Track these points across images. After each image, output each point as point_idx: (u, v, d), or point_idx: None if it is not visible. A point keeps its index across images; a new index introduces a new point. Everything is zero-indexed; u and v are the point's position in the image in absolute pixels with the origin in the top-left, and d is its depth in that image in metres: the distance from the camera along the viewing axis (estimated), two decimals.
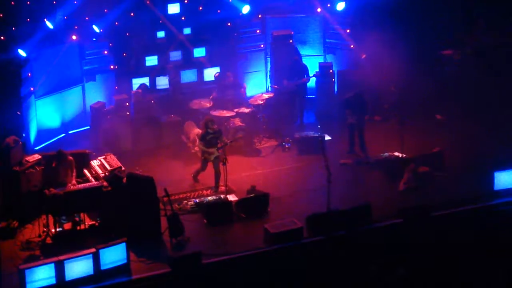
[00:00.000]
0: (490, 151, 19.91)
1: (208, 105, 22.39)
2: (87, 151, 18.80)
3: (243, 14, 24.35)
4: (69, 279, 14.89)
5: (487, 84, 22.77)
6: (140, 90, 22.78)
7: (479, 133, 21.30)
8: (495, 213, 17.74)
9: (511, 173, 18.11)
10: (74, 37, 22.16)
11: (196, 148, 19.89)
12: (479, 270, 16.27)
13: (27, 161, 17.84)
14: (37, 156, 18.20)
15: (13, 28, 20.61)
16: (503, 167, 18.19)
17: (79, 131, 23.09)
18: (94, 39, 22.98)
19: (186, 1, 23.82)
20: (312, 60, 24.93)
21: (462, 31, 23.99)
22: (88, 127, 22.90)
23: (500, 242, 16.95)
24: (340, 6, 24.41)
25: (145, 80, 23.39)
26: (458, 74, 23.60)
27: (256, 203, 17.86)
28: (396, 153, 20.17)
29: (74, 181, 17.42)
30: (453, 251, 16.54)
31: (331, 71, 24.18)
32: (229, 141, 19.44)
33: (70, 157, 17.67)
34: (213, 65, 24.22)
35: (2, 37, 20.38)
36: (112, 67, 23.41)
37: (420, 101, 22.78)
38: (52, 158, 17.73)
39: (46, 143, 22.02)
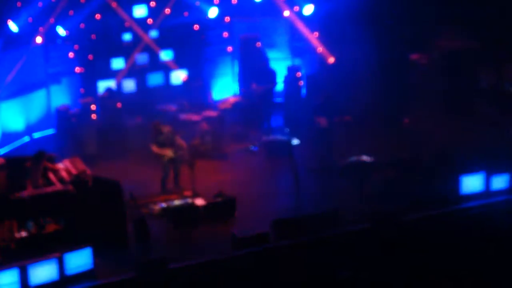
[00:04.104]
0: (457, 155, 19.97)
1: (173, 108, 22.29)
2: (52, 154, 18.58)
3: (210, 18, 24.28)
4: (33, 284, 14.69)
5: (453, 88, 22.92)
6: (106, 94, 22.64)
7: (446, 137, 21.39)
8: (461, 217, 17.78)
9: (477, 177, 18.18)
10: (39, 40, 21.95)
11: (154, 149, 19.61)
12: (446, 274, 16.31)
13: None
14: (0, 160, 17.96)
15: None
16: (470, 171, 18.25)
17: (44, 134, 22.87)
18: (59, 41, 22.78)
19: (153, 5, 23.69)
20: (280, 63, 24.91)
21: (429, 36, 24.09)
22: (54, 130, 22.68)
23: (467, 246, 16.99)
24: (307, 11, 24.43)
25: (111, 83, 23.23)
26: (425, 78, 23.73)
27: (223, 207, 17.78)
28: (364, 157, 20.15)
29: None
30: (420, 255, 16.56)
31: (299, 74, 24.18)
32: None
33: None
34: (180, 67, 24.13)
35: None
36: (77, 69, 23.22)
37: (388, 105, 22.84)
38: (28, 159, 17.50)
39: (10, 147, 21.78)
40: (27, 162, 17.30)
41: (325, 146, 20.84)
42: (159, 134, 18.99)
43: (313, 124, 21.16)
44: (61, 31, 22.29)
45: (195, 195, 18.58)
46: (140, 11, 23.80)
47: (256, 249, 16.15)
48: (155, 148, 18.98)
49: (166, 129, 19.07)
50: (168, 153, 18.85)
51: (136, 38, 23.81)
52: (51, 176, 17.64)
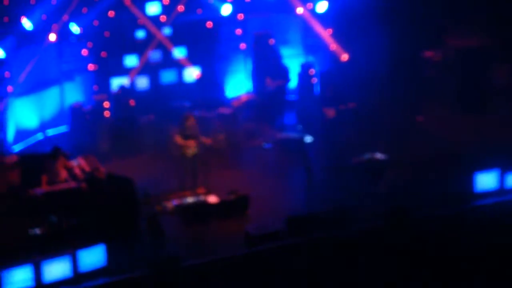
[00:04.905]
0: (471, 152, 19.89)
1: (187, 105, 22.31)
2: (66, 151, 18.61)
3: (223, 15, 24.28)
4: (47, 281, 14.72)
5: (467, 86, 22.82)
6: (119, 91, 22.69)
7: (460, 134, 21.31)
8: (475, 215, 17.70)
9: (492, 174, 18.09)
10: (52, 37, 21.99)
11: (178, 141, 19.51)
12: (460, 272, 16.25)
13: (5, 162, 17.64)
14: (15, 157, 18.02)
15: None
16: (484, 168, 18.16)
17: (58, 131, 22.93)
18: (73, 38, 22.83)
19: (166, 2, 23.70)
20: (293, 60, 24.89)
21: (443, 33, 23.99)
22: (67, 127, 22.72)
23: (481, 244, 16.91)
24: (321, 8, 24.38)
25: (125, 80, 23.28)
26: (439, 76, 23.65)
27: (236, 205, 17.76)
28: (378, 155, 20.10)
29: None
30: (434, 254, 16.51)
31: (312, 71, 24.13)
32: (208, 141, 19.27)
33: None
34: (193, 64, 24.15)
35: None
36: (91, 67, 23.26)
37: (401, 103, 22.77)
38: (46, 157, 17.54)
39: (24, 144, 21.85)
40: (44, 160, 17.35)
41: (335, 139, 20.78)
42: (185, 126, 18.86)
43: (322, 117, 21.14)
44: (74, 28, 22.33)
45: (208, 192, 18.57)
46: (153, 8, 23.83)
47: (269, 246, 16.13)
48: (179, 140, 18.84)
49: (192, 122, 18.90)
50: (191, 148, 18.74)
51: (149, 35, 23.84)
52: (65, 173, 17.69)
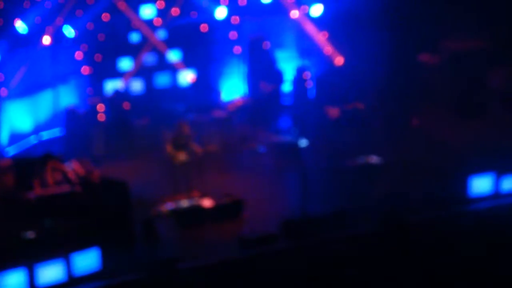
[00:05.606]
0: (467, 155, 19.87)
1: (181, 109, 22.29)
2: (60, 155, 18.54)
3: (218, 18, 24.25)
4: (41, 285, 14.64)
5: (464, 89, 22.82)
6: (114, 95, 22.66)
7: (456, 137, 21.29)
8: (470, 219, 17.68)
9: (487, 178, 18.07)
10: (46, 40, 21.93)
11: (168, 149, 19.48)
12: (455, 276, 16.21)
13: None
14: (8, 161, 17.95)
15: None
16: (480, 171, 18.14)
17: (52, 134, 22.87)
18: (67, 41, 22.78)
19: (161, 5, 23.67)
20: (288, 63, 24.86)
21: (439, 36, 23.99)
22: (62, 130, 22.66)
23: (476, 248, 16.88)
24: (316, 11, 24.36)
25: (119, 83, 23.24)
26: (435, 79, 23.64)
27: (231, 208, 17.72)
28: (373, 158, 20.08)
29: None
30: (429, 257, 16.47)
31: (307, 74, 24.11)
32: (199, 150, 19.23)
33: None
34: (188, 68, 24.13)
35: None
36: (85, 70, 23.21)
37: (397, 106, 22.76)
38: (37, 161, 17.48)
39: (19, 147, 21.77)
40: (37, 163, 17.28)
41: (335, 140, 20.70)
42: (178, 135, 18.84)
43: (322, 118, 21.06)
44: (68, 31, 22.27)
45: (203, 196, 18.52)
46: (147, 11, 23.81)
47: (264, 250, 16.09)
48: (169, 148, 18.83)
49: (186, 130, 18.88)
50: (181, 156, 18.71)
51: (144, 39, 23.81)
52: (59, 177, 17.61)
